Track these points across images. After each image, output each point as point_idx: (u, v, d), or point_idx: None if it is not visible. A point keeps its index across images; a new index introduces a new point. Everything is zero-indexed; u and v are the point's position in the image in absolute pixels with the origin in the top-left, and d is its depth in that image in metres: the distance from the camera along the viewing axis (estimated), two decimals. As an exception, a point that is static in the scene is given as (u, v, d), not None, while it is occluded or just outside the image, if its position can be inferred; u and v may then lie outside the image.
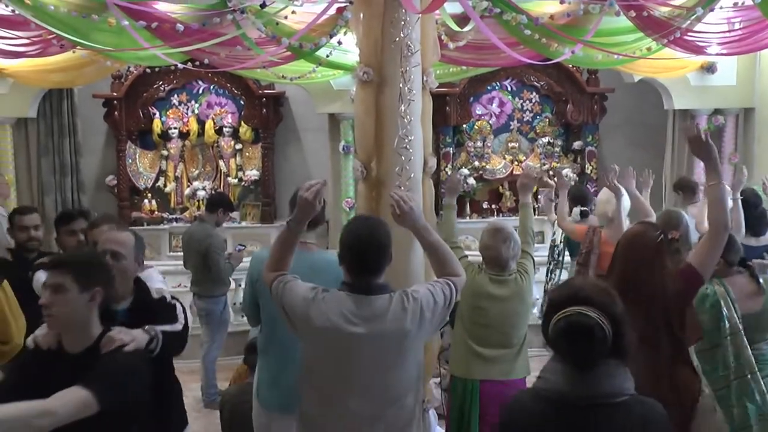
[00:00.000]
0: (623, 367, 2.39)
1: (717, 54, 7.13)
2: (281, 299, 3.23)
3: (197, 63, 7.00)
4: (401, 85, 4.45)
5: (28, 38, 6.37)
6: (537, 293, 8.27)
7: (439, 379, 5.89)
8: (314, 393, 3.26)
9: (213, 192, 9.45)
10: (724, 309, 4.26)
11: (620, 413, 2.33)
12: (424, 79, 4.69)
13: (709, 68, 8.61)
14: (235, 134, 9.84)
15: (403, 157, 4.47)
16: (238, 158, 9.91)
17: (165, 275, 8.43)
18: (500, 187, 10.01)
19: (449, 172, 9.40)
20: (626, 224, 5.90)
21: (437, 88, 5.15)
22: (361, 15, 4.62)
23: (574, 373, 2.35)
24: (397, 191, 3.53)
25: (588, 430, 2.33)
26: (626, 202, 6.04)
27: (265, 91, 9.52)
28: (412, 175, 4.53)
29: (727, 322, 4.26)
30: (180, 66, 7.21)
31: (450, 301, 3.28)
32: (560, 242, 7.60)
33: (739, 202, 5.93)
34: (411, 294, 3.20)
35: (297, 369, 4.14)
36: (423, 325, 3.17)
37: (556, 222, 7.07)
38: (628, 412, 2.35)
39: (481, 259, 4.62)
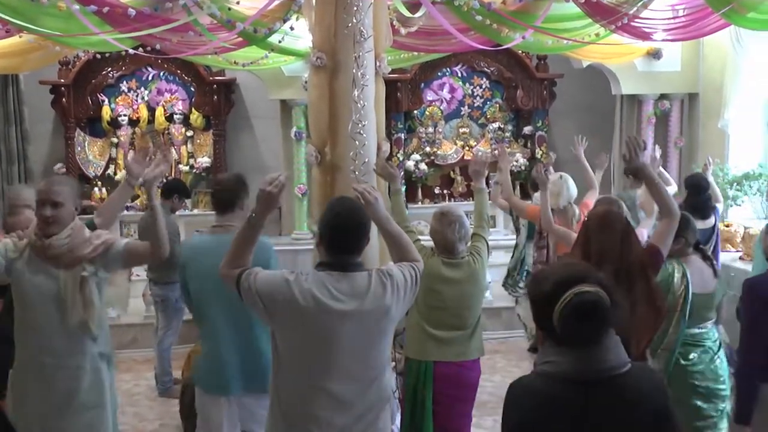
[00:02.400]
0: (616, 336, 2.44)
1: (663, 40, 7.29)
2: (256, 289, 3.16)
3: (148, 49, 6.93)
4: (354, 71, 4.49)
5: (-29, 22, 6.23)
6: (490, 276, 8.38)
7: (394, 363, 5.94)
8: (292, 379, 3.23)
9: (167, 179, 9.35)
10: (677, 286, 4.42)
11: (634, 380, 2.40)
12: (377, 64, 4.73)
13: (655, 54, 8.81)
14: (186, 121, 9.74)
15: (357, 142, 4.51)
16: (189, 145, 9.81)
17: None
18: (452, 173, 10.08)
19: (401, 158, 9.45)
20: (576, 210, 6.08)
21: (388, 74, 5.20)
22: (314, 1, 4.64)
23: (582, 351, 2.36)
24: (360, 184, 3.56)
25: (613, 403, 2.36)
26: (573, 192, 6.20)
27: (216, 78, 9.44)
28: (366, 160, 4.58)
29: (672, 297, 4.41)
30: (130, 52, 7.13)
31: (415, 282, 3.34)
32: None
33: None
34: (387, 271, 3.27)
35: (229, 350, 4.19)
36: (399, 302, 3.24)
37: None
38: (639, 378, 2.43)
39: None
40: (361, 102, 4.55)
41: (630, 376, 2.41)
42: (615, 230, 3.95)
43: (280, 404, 3.29)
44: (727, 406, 4.43)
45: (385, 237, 3.45)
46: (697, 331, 4.49)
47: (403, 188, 9.22)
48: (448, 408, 4.55)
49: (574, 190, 6.24)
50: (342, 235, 3.21)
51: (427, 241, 4.75)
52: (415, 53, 7.99)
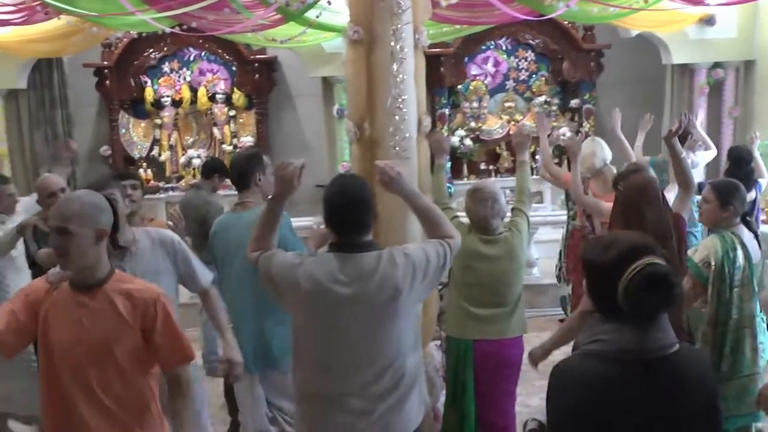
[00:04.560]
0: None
1: (716, 4, 7.01)
2: (269, 271, 3.14)
3: (185, 27, 6.88)
4: (392, 44, 4.37)
5: (13, 5, 6.26)
6: (538, 253, 8.23)
7: (439, 341, 5.86)
8: (305, 365, 3.19)
9: (208, 158, 9.36)
10: (740, 258, 4.21)
11: (686, 360, 2.30)
12: (416, 37, 4.60)
13: (708, 21, 8.51)
14: (228, 101, 9.74)
15: (396, 117, 4.40)
16: (232, 125, 9.82)
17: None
18: (497, 148, 9.94)
19: (445, 134, 9.31)
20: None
21: (430, 48, 5.07)
22: (350, -27, 4.52)
23: (637, 328, 2.26)
24: (381, 160, 3.43)
25: (672, 383, 2.26)
26: (607, 153, 6.00)
27: (257, 56, 9.40)
28: (406, 135, 4.46)
29: (739, 271, 4.22)
30: (167, 31, 7.09)
31: (444, 261, 3.18)
32: None
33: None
34: (402, 250, 3.12)
35: (246, 330, 4.21)
36: (415, 284, 3.07)
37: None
38: (691, 358, 2.33)
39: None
40: (400, 76, 4.43)
41: (681, 356, 2.29)
42: (654, 197, 3.93)
43: (297, 386, 3.24)
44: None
45: (415, 212, 3.32)
46: None
47: (448, 164, 9.12)
48: (489, 387, 4.44)
49: (608, 151, 6.05)
50: (340, 214, 3.10)
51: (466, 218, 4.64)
52: (458, 26, 7.82)
